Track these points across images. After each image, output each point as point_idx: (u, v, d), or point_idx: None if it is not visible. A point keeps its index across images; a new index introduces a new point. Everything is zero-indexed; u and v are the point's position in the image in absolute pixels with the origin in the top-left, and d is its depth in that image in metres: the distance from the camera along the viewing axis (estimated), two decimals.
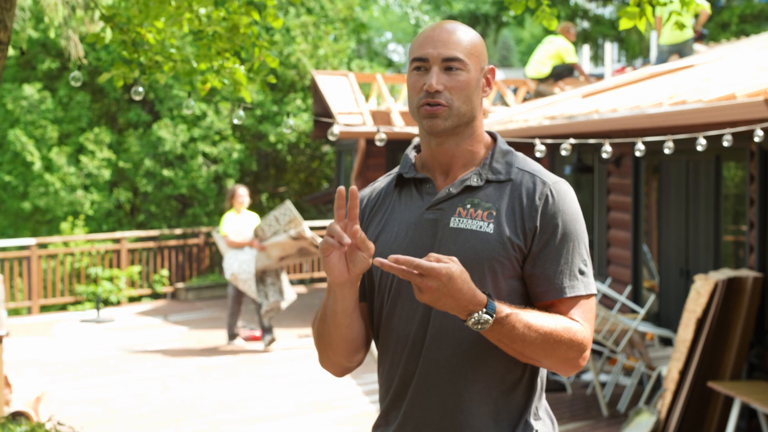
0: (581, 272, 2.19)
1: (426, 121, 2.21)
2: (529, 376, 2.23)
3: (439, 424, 2.19)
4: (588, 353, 2.18)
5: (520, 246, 2.17)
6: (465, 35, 2.22)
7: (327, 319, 2.25)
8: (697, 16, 11.83)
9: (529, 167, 2.25)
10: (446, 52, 2.18)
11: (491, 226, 2.17)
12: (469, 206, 2.20)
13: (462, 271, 2.01)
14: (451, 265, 1.99)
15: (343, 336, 2.25)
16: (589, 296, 2.20)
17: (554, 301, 2.17)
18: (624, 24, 4.08)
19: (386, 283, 2.25)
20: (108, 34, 4.65)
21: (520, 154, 2.31)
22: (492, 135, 2.34)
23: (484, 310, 2.02)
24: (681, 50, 11.40)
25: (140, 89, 4.43)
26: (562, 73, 12.55)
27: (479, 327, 2.03)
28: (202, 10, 4.43)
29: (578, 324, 2.15)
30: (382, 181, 2.39)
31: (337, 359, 2.31)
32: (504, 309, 2.05)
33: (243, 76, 4.51)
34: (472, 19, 22.24)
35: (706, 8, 4.22)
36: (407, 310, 2.22)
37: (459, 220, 2.19)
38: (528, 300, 2.21)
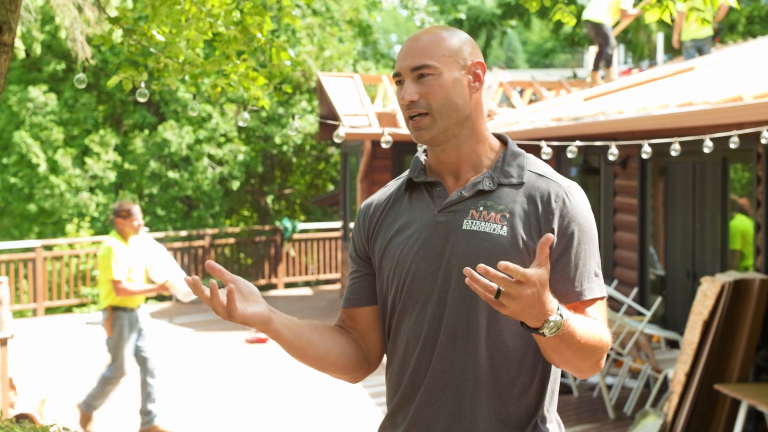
0: (596, 275, 2.20)
1: (414, 134, 2.22)
2: (539, 380, 2.21)
3: (450, 426, 2.18)
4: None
5: (534, 249, 2.14)
6: (435, 40, 2.21)
7: (296, 355, 2.27)
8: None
9: (541, 170, 2.24)
10: (413, 62, 2.20)
11: (505, 228, 2.16)
12: (482, 209, 2.18)
13: (541, 281, 1.95)
14: (535, 270, 1.94)
15: (322, 359, 2.29)
16: (603, 298, 2.20)
17: (576, 304, 2.16)
18: (650, 17, 4.06)
19: (395, 287, 2.24)
20: (116, 35, 4.63)
21: (531, 156, 2.29)
22: (502, 138, 2.32)
23: (557, 311, 1.98)
24: (702, 47, 11.32)
25: (145, 91, 4.42)
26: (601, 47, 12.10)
27: (554, 331, 1.98)
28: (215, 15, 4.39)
29: (604, 326, 2.16)
30: (393, 185, 2.38)
31: (339, 377, 2.38)
32: (565, 311, 2.02)
33: (262, 80, 4.48)
34: (476, 24, 22.23)
35: (731, 2, 4.14)
36: (417, 313, 2.21)
37: (472, 223, 2.18)
38: None
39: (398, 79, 2.24)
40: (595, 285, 2.18)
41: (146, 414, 7.43)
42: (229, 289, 2.03)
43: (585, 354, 2.08)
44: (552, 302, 1.96)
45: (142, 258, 7.29)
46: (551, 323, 1.97)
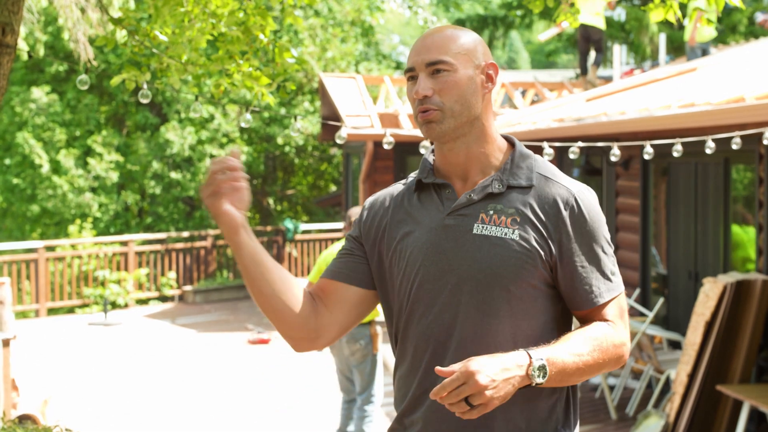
0: (612, 273, 2.20)
1: (423, 128, 2.21)
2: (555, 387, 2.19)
3: (464, 429, 2.15)
4: (629, 344, 2.20)
5: (547, 253, 2.14)
6: (450, 37, 2.21)
7: (247, 282, 2.23)
8: None
9: (549, 172, 2.23)
10: (429, 57, 2.18)
11: (516, 232, 2.14)
12: (492, 212, 2.17)
13: (477, 359, 1.95)
14: (464, 364, 1.94)
15: (270, 299, 2.20)
16: (620, 294, 2.21)
17: (594, 309, 2.18)
18: (656, 16, 4.06)
19: (406, 287, 2.22)
20: (119, 36, 4.64)
21: (539, 158, 2.28)
22: (509, 139, 2.31)
23: (532, 360, 1.99)
24: (707, 47, 11.43)
25: (148, 92, 4.42)
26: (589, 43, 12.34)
27: (543, 374, 2.00)
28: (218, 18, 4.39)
29: (614, 325, 2.17)
30: (400, 186, 2.36)
31: (283, 332, 2.26)
32: (543, 351, 2.03)
33: (265, 79, 4.48)
34: (480, 22, 22.21)
35: (736, 2, 4.14)
36: (427, 316, 2.19)
37: (483, 227, 2.16)
38: (552, 302, 2.18)
39: (411, 75, 2.22)
40: (612, 285, 2.19)
41: None
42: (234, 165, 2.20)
43: (596, 369, 2.11)
44: (518, 360, 1.98)
45: None
46: (536, 370, 1.99)
